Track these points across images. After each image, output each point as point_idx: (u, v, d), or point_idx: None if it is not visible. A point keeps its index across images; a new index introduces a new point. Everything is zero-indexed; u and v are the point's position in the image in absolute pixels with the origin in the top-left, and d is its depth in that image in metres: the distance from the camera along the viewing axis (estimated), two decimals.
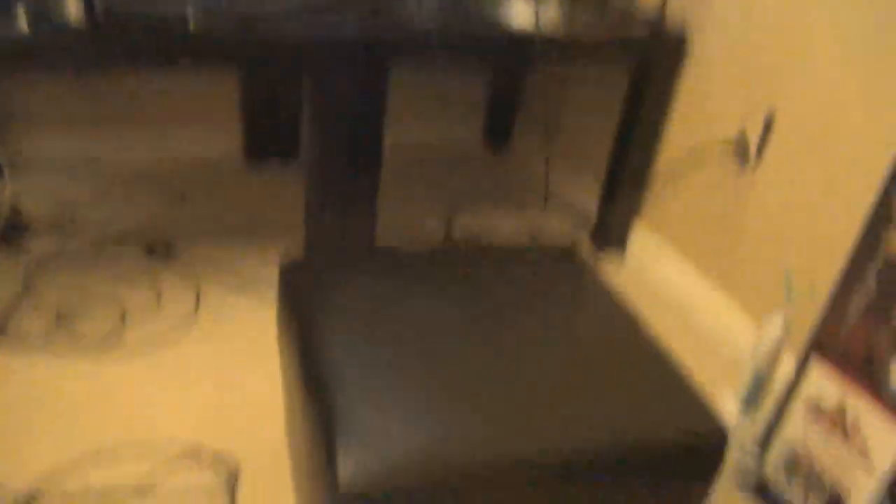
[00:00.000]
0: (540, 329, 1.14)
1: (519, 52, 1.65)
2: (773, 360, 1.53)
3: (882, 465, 1.29)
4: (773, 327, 1.51)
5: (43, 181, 2.15)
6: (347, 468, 0.92)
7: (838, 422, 1.35)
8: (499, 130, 2.63)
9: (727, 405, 1.62)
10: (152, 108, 2.27)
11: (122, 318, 1.71)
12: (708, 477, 1.05)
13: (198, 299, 1.80)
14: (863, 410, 1.31)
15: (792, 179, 1.65)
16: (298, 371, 1.11)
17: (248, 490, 1.38)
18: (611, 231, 2.10)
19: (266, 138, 2.34)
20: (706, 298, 1.90)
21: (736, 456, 1.55)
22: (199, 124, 2.33)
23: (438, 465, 0.94)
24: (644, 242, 2.08)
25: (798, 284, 1.65)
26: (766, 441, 1.50)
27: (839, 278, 1.32)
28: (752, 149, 1.71)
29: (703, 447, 1.03)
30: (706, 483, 1.06)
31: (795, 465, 1.44)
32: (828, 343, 1.35)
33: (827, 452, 1.38)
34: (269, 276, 1.91)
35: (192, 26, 1.43)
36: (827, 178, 1.57)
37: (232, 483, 1.38)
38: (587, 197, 2.27)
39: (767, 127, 1.68)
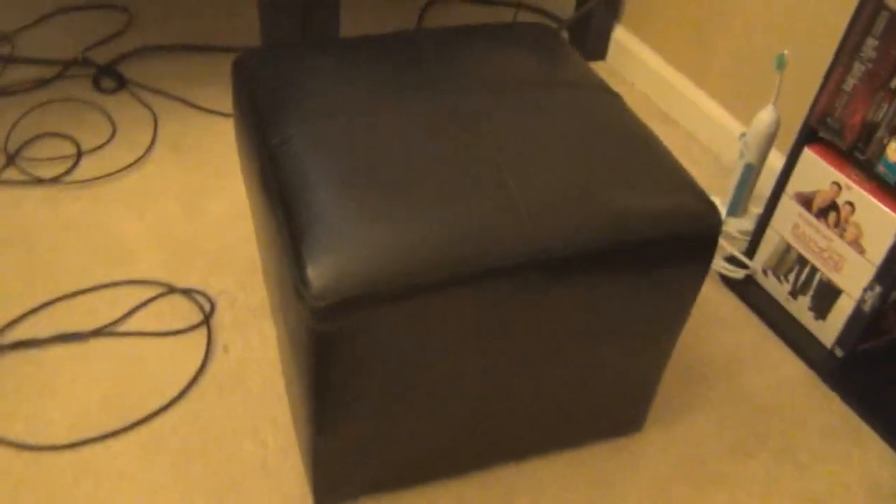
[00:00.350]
0: (520, 112, 1.05)
1: None
2: (763, 154, 1.46)
3: (876, 253, 1.25)
4: (765, 119, 1.43)
5: None
6: (318, 277, 0.86)
7: (830, 209, 1.30)
8: None
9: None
10: None
11: (78, 151, 1.60)
12: (701, 261, 1.00)
13: (155, 126, 1.68)
14: (856, 195, 1.25)
15: None
16: (257, 176, 1.03)
17: (226, 323, 1.33)
18: (589, 39, 1.97)
19: None
20: (694, 107, 1.81)
21: (723, 253, 1.51)
22: None
23: (417, 263, 0.87)
24: (626, 50, 1.96)
25: (790, 75, 1.56)
26: (756, 239, 1.46)
27: (837, 49, 1.23)
28: None
29: (695, 227, 0.97)
30: (700, 268, 1.01)
31: (784, 259, 1.41)
32: (822, 122, 1.27)
33: (817, 243, 1.34)
34: (228, 95, 1.79)
35: None
36: None
37: (208, 319, 1.33)
38: (564, 4, 2.12)
39: None
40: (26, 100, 1.71)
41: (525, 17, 2.15)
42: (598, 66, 2.00)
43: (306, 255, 0.88)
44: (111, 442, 1.15)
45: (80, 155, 1.60)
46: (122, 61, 1.84)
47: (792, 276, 1.40)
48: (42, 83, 1.76)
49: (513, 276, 0.91)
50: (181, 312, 1.33)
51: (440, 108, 1.04)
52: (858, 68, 1.20)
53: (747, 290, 1.47)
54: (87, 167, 1.58)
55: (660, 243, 0.96)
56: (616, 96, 1.13)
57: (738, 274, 1.47)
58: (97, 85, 1.77)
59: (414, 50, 1.16)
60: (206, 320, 1.32)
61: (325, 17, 1.48)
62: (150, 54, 1.88)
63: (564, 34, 2.06)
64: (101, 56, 1.85)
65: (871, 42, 1.17)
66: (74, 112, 1.70)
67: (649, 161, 1.02)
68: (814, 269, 1.35)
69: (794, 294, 1.41)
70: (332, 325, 0.87)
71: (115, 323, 1.31)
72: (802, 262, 1.37)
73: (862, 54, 1.19)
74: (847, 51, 1.21)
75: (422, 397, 1.00)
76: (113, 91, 1.76)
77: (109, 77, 1.78)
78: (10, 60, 1.80)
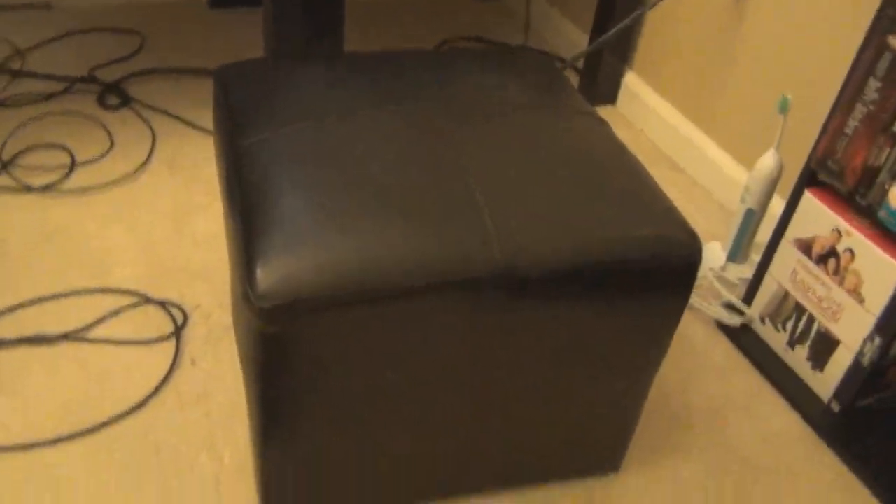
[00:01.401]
0: (500, 131, 1.01)
1: None
2: (765, 199, 1.42)
3: (876, 303, 1.19)
4: (766, 163, 1.39)
5: None
6: (266, 277, 0.82)
7: (829, 256, 1.25)
8: None
9: (714, 257, 1.52)
10: None
11: (73, 162, 1.60)
12: (679, 290, 0.95)
13: (153, 143, 1.68)
14: (857, 242, 1.20)
15: (786, 8, 1.49)
16: (224, 180, 1.00)
17: (198, 337, 1.30)
18: (599, 84, 1.95)
19: None
20: (700, 153, 1.77)
21: (720, 300, 1.45)
22: None
23: (371, 271, 0.83)
24: (636, 96, 1.93)
25: (793, 118, 1.52)
26: (755, 286, 1.41)
27: (840, 91, 1.19)
28: None
29: (672, 254, 0.92)
30: (678, 299, 0.96)
31: (782, 307, 1.35)
32: (823, 165, 1.23)
33: (816, 291, 1.28)
34: None
35: None
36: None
37: (179, 331, 1.29)
38: (576, 50, 2.11)
39: None
40: (29, 112, 1.72)
41: None
42: (608, 111, 1.98)
43: (257, 255, 0.84)
44: (64, 446, 1.11)
45: (73, 165, 1.59)
46: (128, 81, 1.86)
47: (790, 325, 1.34)
48: (47, 97, 1.77)
49: (473, 293, 0.87)
50: (153, 323, 1.30)
51: (418, 121, 1.01)
52: (860, 110, 1.16)
53: (743, 338, 1.40)
54: (80, 178, 1.57)
55: (634, 268, 0.92)
56: (603, 123, 1.10)
57: (735, 321, 1.41)
58: (101, 102, 1.77)
59: (401, 66, 1.14)
60: (177, 332, 1.29)
61: (329, 40, 1.47)
62: (157, 75, 1.89)
63: (574, 76, 2.04)
64: (109, 75, 1.86)
65: (873, 84, 1.14)
66: (75, 125, 1.70)
67: (630, 188, 0.98)
68: (812, 318, 1.29)
69: (791, 344, 1.34)
70: (277, 327, 0.83)
71: (84, 329, 1.28)
72: (800, 310, 1.31)
73: (864, 96, 1.15)
74: (849, 92, 1.17)
75: (376, 415, 0.95)
76: (116, 108, 1.76)
77: (114, 94, 1.79)
78: (18, 74, 1.82)
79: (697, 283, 1.50)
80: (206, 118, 1.77)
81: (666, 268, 0.94)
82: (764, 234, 1.58)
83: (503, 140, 1.01)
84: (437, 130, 1.01)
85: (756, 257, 1.49)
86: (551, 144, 1.02)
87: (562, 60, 2.13)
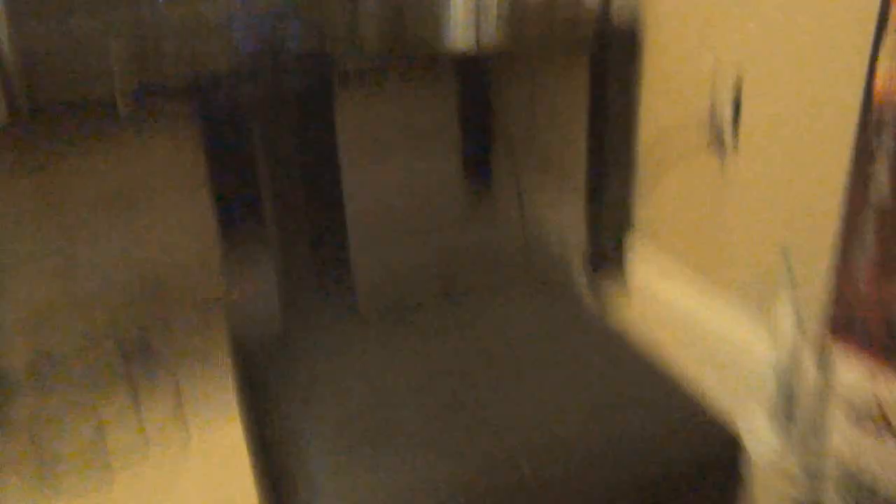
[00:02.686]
0: (526, 370, 1.03)
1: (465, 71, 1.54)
2: (795, 354, 1.38)
3: None
4: (785, 319, 1.36)
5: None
6: None
7: (879, 416, 1.19)
8: (478, 163, 2.51)
9: (757, 424, 1.46)
10: (119, 197, 2.18)
11: (100, 432, 1.59)
12: (727, 494, 0.91)
13: (179, 399, 1.68)
14: None
15: (771, 159, 1.51)
16: (257, 467, 1.00)
17: None
18: (604, 248, 1.97)
19: (241, 213, 2.24)
20: (715, 311, 1.75)
21: (782, 485, 1.38)
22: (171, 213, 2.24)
23: None
24: (642, 257, 1.94)
25: (797, 264, 1.50)
26: (813, 461, 1.33)
27: (839, 241, 1.18)
28: (727, 132, 1.58)
29: (714, 460, 0.90)
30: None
31: (849, 483, 1.27)
32: (845, 320, 1.20)
33: (876, 458, 1.21)
34: None
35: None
36: (806, 148, 1.43)
37: None
38: (577, 220, 2.14)
39: (737, 108, 1.55)
40: (55, 375, 1.74)
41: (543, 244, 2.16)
42: (618, 276, 1.98)
43: None
44: None
45: (103, 438, 1.59)
46: (148, 330, 1.88)
47: (861, 499, 1.25)
48: (71, 357, 1.79)
49: None
50: None
51: (447, 376, 1.03)
52: (864, 260, 1.14)
53: None
54: (110, 454, 1.55)
55: (677, 481, 0.89)
56: (621, 335, 1.10)
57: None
58: (125, 359, 1.80)
59: (424, 326, 1.17)
60: None
61: (340, 288, 1.51)
62: (177, 322, 1.91)
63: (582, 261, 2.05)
64: (129, 324, 1.89)
65: (868, 236, 1.13)
66: (100, 390, 1.71)
67: (661, 398, 0.98)
68: (879, 486, 1.21)
69: None
70: None
71: None
72: (866, 480, 1.23)
73: (864, 248, 1.14)
74: (847, 245, 1.16)
75: None
76: (139, 364, 1.78)
77: (135, 349, 1.82)
78: (46, 336, 1.86)
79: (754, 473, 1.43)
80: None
81: (710, 473, 0.91)
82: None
83: (526, 379, 1.02)
84: (470, 378, 1.03)
85: (802, 411, 1.43)
86: (574, 372, 1.04)
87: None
